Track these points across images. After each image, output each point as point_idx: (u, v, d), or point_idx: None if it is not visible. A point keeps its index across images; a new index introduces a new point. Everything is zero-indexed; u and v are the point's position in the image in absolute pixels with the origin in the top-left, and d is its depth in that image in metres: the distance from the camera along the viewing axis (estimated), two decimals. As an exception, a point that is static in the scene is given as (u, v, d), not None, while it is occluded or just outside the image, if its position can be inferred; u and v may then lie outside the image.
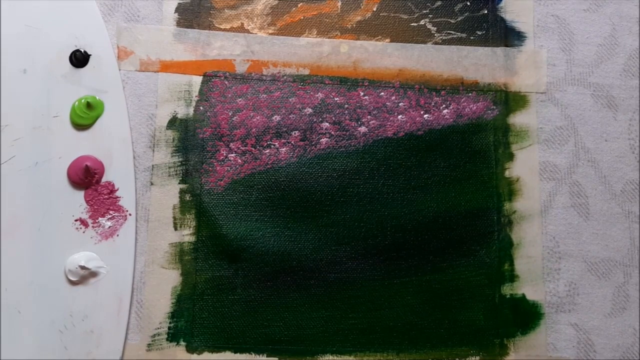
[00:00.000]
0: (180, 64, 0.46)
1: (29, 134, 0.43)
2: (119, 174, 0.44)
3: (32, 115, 0.43)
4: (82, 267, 0.42)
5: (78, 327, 0.42)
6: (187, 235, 0.44)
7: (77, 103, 0.44)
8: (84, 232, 0.43)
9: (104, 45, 0.45)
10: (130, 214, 0.44)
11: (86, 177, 0.43)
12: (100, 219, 0.43)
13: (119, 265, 0.43)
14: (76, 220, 0.43)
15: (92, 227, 0.43)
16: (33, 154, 0.43)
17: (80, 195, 0.43)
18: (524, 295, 0.46)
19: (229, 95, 0.46)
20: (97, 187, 0.43)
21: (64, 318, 0.42)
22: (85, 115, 0.43)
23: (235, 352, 0.43)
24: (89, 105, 0.43)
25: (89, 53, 0.44)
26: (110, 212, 0.43)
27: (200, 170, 0.45)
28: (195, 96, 0.46)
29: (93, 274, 0.42)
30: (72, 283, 0.42)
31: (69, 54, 0.44)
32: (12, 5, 0.44)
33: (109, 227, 0.43)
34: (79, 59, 0.44)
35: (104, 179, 0.44)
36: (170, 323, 0.43)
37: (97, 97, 0.44)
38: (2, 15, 0.44)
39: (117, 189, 0.44)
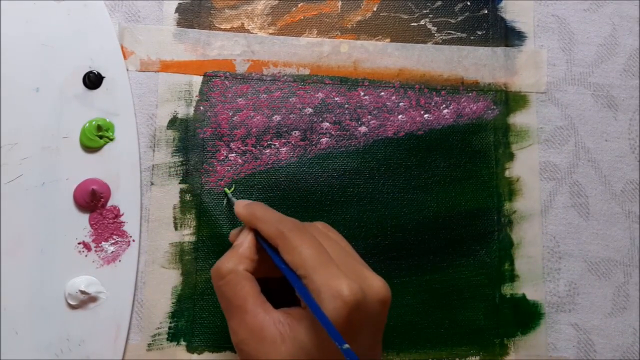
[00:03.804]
0: (180, 63, 0.46)
1: (38, 153, 0.43)
2: (125, 199, 0.43)
3: (41, 134, 0.43)
4: (82, 292, 0.41)
5: (74, 353, 0.41)
6: (187, 235, 0.44)
7: (87, 125, 0.43)
8: (86, 255, 0.42)
9: (118, 68, 0.44)
10: (133, 240, 0.43)
11: (92, 200, 0.42)
12: (103, 243, 0.43)
13: (119, 292, 0.42)
14: (79, 244, 0.42)
15: (95, 251, 0.42)
16: (40, 174, 0.42)
17: (85, 218, 0.43)
18: (524, 295, 0.46)
19: (230, 95, 0.46)
20: (102, 211, 0.43)
21: (61, 342, 0.41)
22: (95, 138, 0.43)
23: (235, 352, 0.43)
24: (99, 128, 0.43)
25: (102, 75, 0.44)
26: (114, 237, 0.43)
27: (200, 170, 0.45)
28: (196, 96, 0.46)
29: (92, 299, 0.42)
30: (71, 307, 0.41)
31: (82, 75, 0.44)
32: (30, 23, 0.44)
33: (112, 252, 0.43)
34: (92, 81, 0.43)
35: (109, 203, 0.43)
36: (170, 323, 0.43)
37: (108, 120, 0.43)
38: (19, 32, 0.43)
39: (122, 214, 0.43)
